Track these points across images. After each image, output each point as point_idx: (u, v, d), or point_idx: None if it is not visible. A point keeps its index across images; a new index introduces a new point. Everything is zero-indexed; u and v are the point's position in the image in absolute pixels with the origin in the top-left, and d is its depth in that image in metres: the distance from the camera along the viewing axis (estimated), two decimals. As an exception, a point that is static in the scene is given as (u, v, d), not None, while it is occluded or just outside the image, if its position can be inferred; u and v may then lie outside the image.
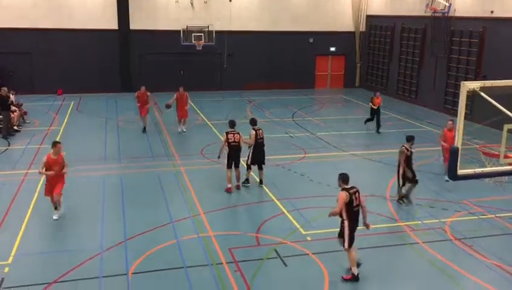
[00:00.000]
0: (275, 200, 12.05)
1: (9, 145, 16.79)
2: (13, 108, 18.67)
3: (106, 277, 8.55)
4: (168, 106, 18.47)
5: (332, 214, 8.43)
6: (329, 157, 15.92)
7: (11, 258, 9.10)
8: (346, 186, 8.41)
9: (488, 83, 5.86)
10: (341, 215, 8.36)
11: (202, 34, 26.52)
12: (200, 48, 26.42)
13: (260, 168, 12.96)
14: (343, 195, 8.26)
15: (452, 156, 5.60)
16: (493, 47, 20.19)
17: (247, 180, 12.89)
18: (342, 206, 8.25)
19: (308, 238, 10.00)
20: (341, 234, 8.46)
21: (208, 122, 20.48)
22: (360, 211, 8.49)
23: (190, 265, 8.84)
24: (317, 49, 29.51)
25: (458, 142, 5.64)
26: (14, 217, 10.90)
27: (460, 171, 5.69)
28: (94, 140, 17.65)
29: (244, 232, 10.19)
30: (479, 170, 6.09)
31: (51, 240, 10.16)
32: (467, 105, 5.94)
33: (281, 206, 11.63)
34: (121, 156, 15.76)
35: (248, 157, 12.85)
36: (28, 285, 8.19)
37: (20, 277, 8.47)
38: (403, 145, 11.79)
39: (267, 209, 11.53)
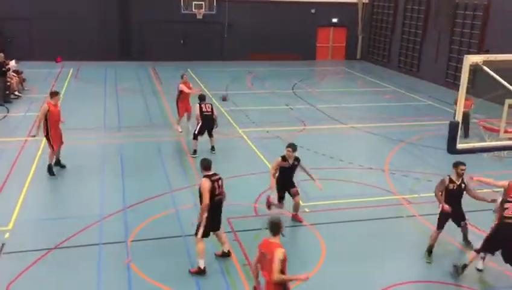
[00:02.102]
0: (274, 171, 12.07)
1: (8, 112, 16.74)
2: (11, 74, 18.54)
3: (105, 243, 8.65)
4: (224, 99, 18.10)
5: (203, 211, 7.58)
6: (329, 129, 15.91)
7: (11, 224, 9.19)
8: (208, 173, 7.67)
9: (492, 57, 5.83)
10: (201, 203, 7.64)
11: (203, 3, 26.11)
12: (201, 17, 26.05)
13: (210, 136, 13.17)
14: (206, 183, 7.53)
15: (452, 129, 5.59)
16: (497, 20, 19.92)
17: (194, 151, 12.88)
18: (207, 195, 7.48)
19: (306, 210, 10.08)
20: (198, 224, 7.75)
21: (208, 93, 20.36)
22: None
23: (188, 234, 8.92)
24: (319, 20, 29.12)
25: (459, 117, 5.62)
26: (14, 183, 10.96)
27: (459, 145, 5.69)
28: (93, 108, 17.58)
29: (242, 203, 10.25)
30: (478, 145, 6.09)
31: (51, 206, 10.25)
32: (468, 79, 5.90)
33: (280, 178, 11.67)
34: (120, 125, 15.73)
35: (195, 129, 13.00)
36: (28, 251, 8.30)
37: (20, 243, 8.57)
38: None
39: (265, 180, 11.54)
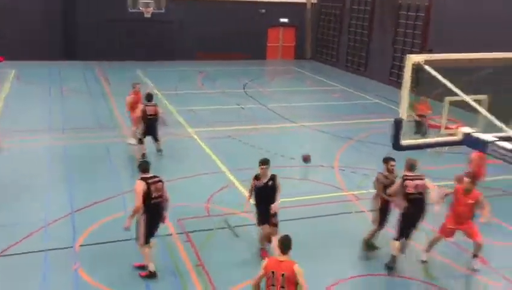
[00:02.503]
0: (226, 171, 12.07)
1: None
2: None
3: (52, 249, 8.34)
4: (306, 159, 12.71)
5: (133, 212, 7.35)
6: (279, 128, 16.05)
7: None
8: (145, 176, 7.46)
9: (433, 56, 6.03)
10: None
11: (151, 1, 25.67)
12: (149, 16, 25.58)
13: (155, 140, 12.49)
14: (140, 185, 7.31)
15: (396, 127, 5.78)
16: (439, 21, 20.76)
17: (143, 155, 11.95)
18: (140, 198, 7.25)
19: (257, 209, 10.10)
20: (137, 230, 7.52)
21: (158, 93, 20.05)
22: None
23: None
24: (268, 20, 29.31)
25: (402, 114, 5.81)
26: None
27: (403, 142, 5.88)
28: (37, 110, 16.93)
29: (194, 203, 10.17)
30: (422, 141, 6.32)
31: (-9, 213, 9.77)
32: (412, 78, 6.10)
33: (232, 177, 11.68)
34: (66, 127, 15.22)
35: (138, 133, 12.45)
36: (-33, 260, 7.88)
37: (-42, 252, 8.13)
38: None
39: (217, 180, 11.54)
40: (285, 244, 5.67)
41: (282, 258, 5.62)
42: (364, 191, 11.17)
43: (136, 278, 7.62)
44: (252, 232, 9.25)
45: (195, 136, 14.69)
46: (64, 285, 7.46)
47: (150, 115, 12.21)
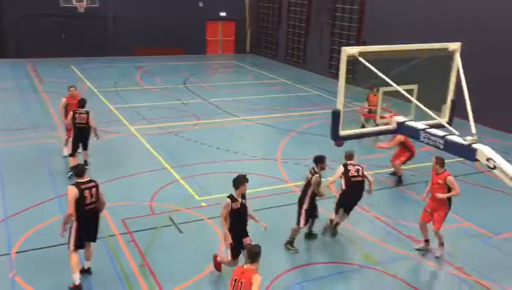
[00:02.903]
0: (169, 168, 11.91)
1: None
2: None
3: (-15, 259, 7.91)
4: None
5: (65, 220, 7.05)
6: (222, 123, 16.02)
7: None
8: (80, 181, 7.11)
9: (367, 48, 6.23)
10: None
11: (84, -5, 24.80)
12: (83, 10, 24.68)
13: (84, 148, 11.29)
14: (72, 191, 6.97)
15: (334, 118, 5.93)
16: (373, 14, 21.42)
17: (71, 169, 10.77)
18: (71, 205, 6.94)
19: (203, 204, 10.07)
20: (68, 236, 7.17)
21: (95, 90, 19.44)
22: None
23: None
24: (207, 14, 29.09)
25: (339, 105, 5.96)
26: None
27: (342, 132, 6.04)
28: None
29: (137, 202, 9.97)
30: (359, 131, 6.53)
31: None
32: (349, 70, 6.26)
33: (175, 174, 11.55)
34: (-4, 129, 14.45)
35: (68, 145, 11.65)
36: None
37: None
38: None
39: (160, 177, 11.37)
40: (252, 253, 5.63)
41: (248, 266, 5.59)
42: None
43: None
44: (197, 228, 9.21)
45: (137, 134, 14.38)
46: (1, 295, 7.11)
47: (80, 123, 10.92)
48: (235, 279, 5.56)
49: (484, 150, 5.03)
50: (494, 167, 4.92)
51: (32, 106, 16.91)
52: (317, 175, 8.34)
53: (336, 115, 5.94)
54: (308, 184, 8.46)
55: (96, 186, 7.23)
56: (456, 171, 12.01)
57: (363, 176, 8.80)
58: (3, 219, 9.15)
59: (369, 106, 10.80)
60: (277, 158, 12.91)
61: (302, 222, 8.49)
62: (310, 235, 8.95)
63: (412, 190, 11.21)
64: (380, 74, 5.76)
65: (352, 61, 6.09)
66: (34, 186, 10.58)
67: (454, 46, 6.36)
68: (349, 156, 8.96)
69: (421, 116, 6.40)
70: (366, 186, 8.89)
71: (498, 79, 15.89)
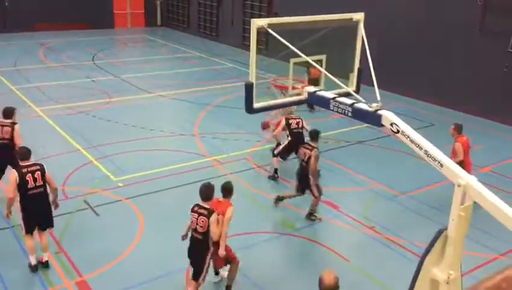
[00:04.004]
0: (81, 149, 11.40)
1: None
2: None
3: None
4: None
5: (8, 204, 6.79)
6: (136, 100, 15.53)
7: None
8: (24, 164, 6.85)
9: (275, 20, 6.25)
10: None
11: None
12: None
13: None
14: (12, 175, 6.79)
15: (247, 90, 5.94)
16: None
17: None
18: (9, 188, 6.75)
19: (120, 185, 9.79)
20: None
21: (-7, 70, 17.97)
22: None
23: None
24: (113, -14, 27.74)
25: (252, 78, 5.98)
26: None
27: (256, 105, 6.08)
28: None
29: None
30: (272, 102, 6.60)
31: None
32: (262, 41, 6.27)
33: (88, 155, 11.08)
34: None
35: None
36: None
37: None
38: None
39: (72, 160, 10.86)
40: (229, 189, 6.57)
41: (223, 200, 6.50)
42: (226, 155, 11.45)
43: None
44: (115, 209, 8.97)
45: (43, 115, 13.56)
46: None
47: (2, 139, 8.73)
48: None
49: (388, 116, 5.31)
50: (398, 131, 5.22)
51: None
52: (316, 149, 8.62)
53: (248, 87, 5.95)
54: (308, 159, 8.54)
55: (41, 169, 6.89)
56: (364, 137, 12.73)
57: (303, 127, 10.15)
58: None
59: (310, 78, 10.55)
60: (195, 133, 12.81)
61: (317, 192, 8.67)
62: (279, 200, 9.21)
63: (324, 156, 11.65)
64: (290, 45, 5.82)
65: (264, 33, 6.11)
66: None
67: (358, 16, 6.57)
68: (289, 112, 10.34)
69: (331, 86, 6.62)
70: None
71: (398, 47, 16.82)
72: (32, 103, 14.54)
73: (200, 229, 6.20)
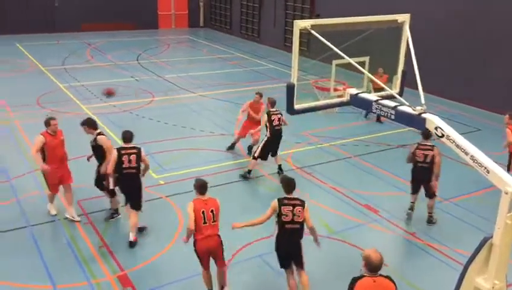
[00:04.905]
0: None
1: None
2: None
3: None
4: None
5: (107, 171, 7.87)
6: (178, 99, 15.80)
7: None
8: (123, 145, 7.83)
9: (319, 21, 6.24)
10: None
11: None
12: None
13: None
14: (113, 155, 7.78)
15: (288, 91, 5.95)
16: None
17: None
18: (110, 166, 7.79)
19: (161, 182, 9.99)
20: None
21: (43, 68, 18.69)
22: None
23: (34, 223, 8.27)
24: (158, -13, 28.34)
25: (293, 79, 5.99)
26: None
27: (297, 106, 6.09)
28: None
29: (92, 184, 9.75)
30: (313, 103, 6.58)
31: None
32: (304, 42, 6.28)
33: (131, 153, 11.34)
34: None
35: None
36: None
37: None
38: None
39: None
40: (203, 186, 6.35)
41: (204, 197, 6.30)
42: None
43: (33, 268, 7.21)
44: (155, 206, 9.14)
45: (90, 113, 13.98)
46: (-48, 284, 6.86)
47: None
48: (203, 211, 6.17)
49: (433, 119, 5.20)
50: (442, 135, 5.10)
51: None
52: (436, 147, 8.46)
53: (290, 88, 5.97)
54: (432, 159, 8.49)
55: (136, 153, 7.70)
56: (406, 140, 12.45)
57: (283, 123, 10.13)
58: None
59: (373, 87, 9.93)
60: (235, 133, 12.88)
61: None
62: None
63: (365, 160, 11.51)
64: (332, 47, 5.80)
65: (306, 34, 6.10)
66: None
67: (403, 17, 6.47)
68: (272, 103, 10.11)
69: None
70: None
71: (441, 50, 16.38)
72: (79, 100, 15.04)
73: (297, 219, 6.31)
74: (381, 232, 8.63)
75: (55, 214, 8.43)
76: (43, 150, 7.96)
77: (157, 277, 7.12)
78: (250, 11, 26.38)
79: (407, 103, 5.64)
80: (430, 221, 8.76)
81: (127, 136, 7.84)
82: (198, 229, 6.20)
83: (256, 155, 10.15)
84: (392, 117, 5.68)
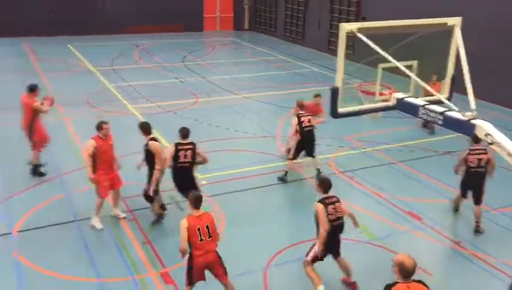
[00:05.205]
0: (168, 146, 11.90)
1: None
2: None
3: (-12, 238, 8.00)
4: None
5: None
6: (221, 101, 15.98)
7: None
8: (181, 141, 8.28)
9: (365, 24, 6.18)
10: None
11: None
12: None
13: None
14: (171, 148, 8.33)
15: (333, 95, 5.91)
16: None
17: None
18: (167, 157, 8.32)
19: (204, 182, 10.10)
20: None
21: (93, 69, 19.34)
22: None
23: (82, 218, 8.57)
24: (204, -10, 28.75)
25: (338, 82, 5.94)
26: None
27: (341, 109, 6.04)
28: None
29: (137, 181, 9.98)
30: (357, 107, 6.51)
31: None
32: (349, 45, 6.22)
33: (175, 152, 11.56)
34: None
35: None
36: None
37: None
38: None
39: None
40: (199, 200, 6.12)
41: (198, 213, 6.07)
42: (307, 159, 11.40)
43: (79, 261, 7.48)
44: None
45: (136, 112, 14.36)
46: (6, 272, 7.19)
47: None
48: (198, 228, 5.97)
49: (483, 126, 5.04)
50: (492, 143, 4.94)
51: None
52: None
53: (334, 91, 5.93)
54: (487, 163, 8.40)
55: (192, 149, 8.22)
56: (453, 147, 12.09)
57: (312, 124, 10.11)
58: (5, 198, 9.21)
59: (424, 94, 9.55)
60: (277, 136, 12.92)
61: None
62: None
63: (410, 166, 11.26)
64: (380, 50, 5.72)
65: (351, 37, 6.05)
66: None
67: (454, 21, 6.30)
68: (301, 106, 10.12)
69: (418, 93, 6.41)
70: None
71: (496, 54, 15.79)
72: (127, 100, 15.46)
73: (340, 215, 6.61)
74: (424, 240, 8.42)
75: (102, 228, 8.39)
76: (93, 154, 8.16)
77: (198, 275, 7.20)
78: (295, 14, 26.35)
79: (456, 108, 5.49)
80: (477, 230, 8.48)
81: (185, 133, 8.31)
82: (195, 247, 6.06)
83: (290, 157, 10.28)
84: (440, 122, 5.55)
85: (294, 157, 10.26)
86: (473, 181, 8.38)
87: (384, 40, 6.17)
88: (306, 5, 25.39)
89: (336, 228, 6.53)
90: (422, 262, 7.67)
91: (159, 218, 8.61)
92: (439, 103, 5.99)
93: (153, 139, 8.40)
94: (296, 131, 10.08)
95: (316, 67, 21.05)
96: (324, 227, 6.40)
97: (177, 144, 8.24)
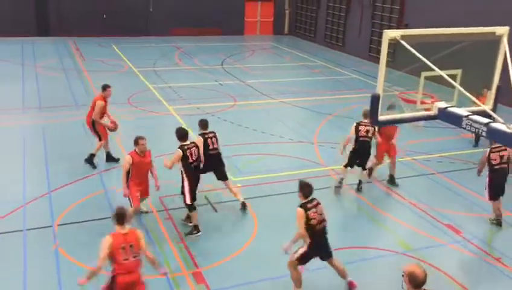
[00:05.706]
0: (205, 148, 12.04)
1: None
2: None
3: (30, 229, 8.28)
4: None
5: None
6: (259, 104, 16.04)
7: None
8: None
9: (409, 32, 6.05)
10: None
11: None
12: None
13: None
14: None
15: (373, 102, 5.82)
16: (416, -4, 20.80)
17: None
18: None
19: (239, 185, 10.16)
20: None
21: (135, 70, 19.79)
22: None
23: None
24: (246, -5, 28.98)
25: (379, 89, 5.85)
26: None
27: (381, 117, 5.94)
28: (10, 88, 16.52)
29: (174, 181, 10.14)
30: (399, 116, 6.38)
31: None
32: (389, 53, 6.12)
33: (211, 154, 11.67)
34: (41, 105, 14.94)
35: None
36: None
37: None
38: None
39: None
40: (123, 217, 5.82)
41: (124, 230, 5.78)
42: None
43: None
44: (232, 208, 9.32)
45: (174, 113, 14.60)
46: (46, 264, 7.44)
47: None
48: (123, 247, 5.65)
49: (529, 139, 4.87)
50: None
51: (74, 84, 17.36)
52: None
53: (375, 99, 5.83)
54: (508, 159, 8.83)
55: (215, 136, 8.94)
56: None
57: (372, 135, 9.83)
58: (47, 193, 9.53)
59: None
60: (313, 141, 12.86)
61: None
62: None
63: (450, 177, 10.98)
64: (423, 59, 5.60)
65: (392, 44, 5.94)
66: (76, 162, 10.91)
67: (502, 30, 6.10)
68: (364, 115, 9.80)
69: (463, 102, 6.23)
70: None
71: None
72: (166, 101, 15.73)
73: (323, 217, 6.82)
74: (462, 254, 8.19)
75: (147, 212, 8.99)
76: (129, 170, 8.23)
77: (230, 277, 7.26)
78: (336, 20, 26.19)
79: (502, 120, 5.31)
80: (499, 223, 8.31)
81: (205, 123, 8.98)
82: (118, 265, 5.71)
83: (344, 164, 10.19)
84: (484, 134, 5.38)
85: (349, 165, 10.14)
86: (501, 178, 8.62)
87: (427, 48, 6.04)
88: (347, 11, 25.20)
89: (321, 231, 6.66)
90: (459, 276, 7.49)
91: (193, 231, 8.38)
92: (483, 113, 5.81)
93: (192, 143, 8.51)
94: (350, 139, 9.99)
95: (355, 74, 20.83)
96: (301, 232, 6.51)
97: (202, 134, 8.84)
